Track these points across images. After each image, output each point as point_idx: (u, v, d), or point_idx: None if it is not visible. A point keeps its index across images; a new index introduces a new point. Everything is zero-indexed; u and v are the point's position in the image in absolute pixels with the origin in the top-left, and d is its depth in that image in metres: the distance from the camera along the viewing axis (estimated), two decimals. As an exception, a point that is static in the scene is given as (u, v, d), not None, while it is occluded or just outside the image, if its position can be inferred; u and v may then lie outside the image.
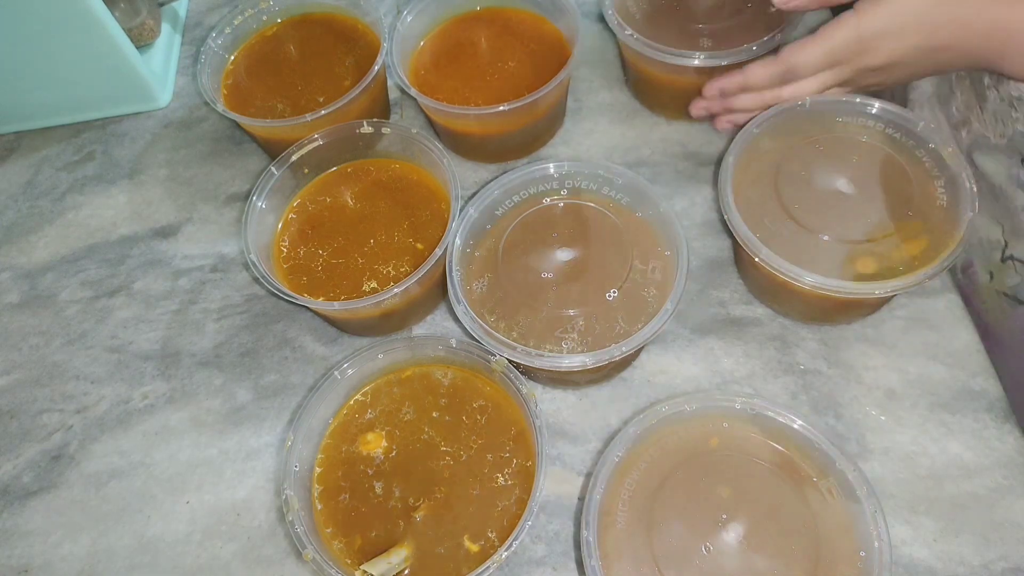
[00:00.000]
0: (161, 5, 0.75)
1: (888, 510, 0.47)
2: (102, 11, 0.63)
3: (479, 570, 0.41)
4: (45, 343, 0.61)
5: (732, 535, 0.42)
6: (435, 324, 0.58)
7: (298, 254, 0.56)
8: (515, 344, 0.47)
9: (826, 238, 0.49)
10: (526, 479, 0.46)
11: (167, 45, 0.76)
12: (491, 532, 0.45)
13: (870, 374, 0.52)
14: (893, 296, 0.49)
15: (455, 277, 0.50)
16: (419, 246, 0.55)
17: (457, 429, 0.48)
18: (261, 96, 0.65)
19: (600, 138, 0.65)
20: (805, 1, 0.56)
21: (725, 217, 0.50)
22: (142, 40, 0.73)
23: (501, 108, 0.56)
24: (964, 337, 0.52)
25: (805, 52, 0.54)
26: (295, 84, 0.65)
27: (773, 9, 0.57)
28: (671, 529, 0.42)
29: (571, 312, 0.49)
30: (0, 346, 0.61)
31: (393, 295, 0.50)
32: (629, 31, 0.58)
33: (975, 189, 0.48)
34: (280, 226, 0.58)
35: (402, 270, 0.54)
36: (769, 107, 0.56)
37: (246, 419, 0.55)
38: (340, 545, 0.46)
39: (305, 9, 0.69)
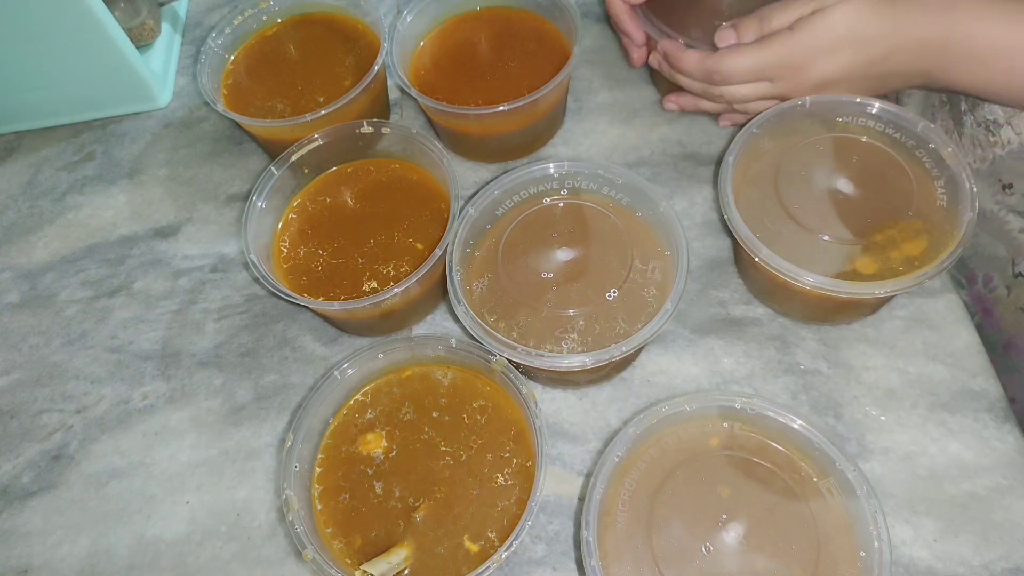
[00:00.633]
0: (161, 5, 0.75)
1: (888, 510, 0.47)
2: (102, 11, 0.63)
3: (479, 570, 0.41)
4: (45, 343, 0.61)
5: (732, 535, 0.42)
6: (435, 324, 0.58)
7: (298, 254, 0.56)
8: (515, 344, 0.47)
9: (826, 238, 0.49)
10: (526, 479, 0.46)
11: (167, 45, 0.76)
12: (491, 532, 0.45)
13: (870, 374, 0.52)
14: (893, 296, 0.49)
15: (455, 277, 0.50)
16: (419, 246, 0.55)
17: (457, 429, 0.48)
18: (261, 96, 0.65)
19: (600, 138, 0.65)
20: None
21: (725, 217, 0.50)
22: (142, 40, 0.73)
23: (501, 108, 0.56)
24: (964, 337, 0.52)
25: (735, 61, 0.54)
26: (295, 84, 0.65)
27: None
28: (671, 529, 0.42)
29: (571, 312, 0.49)
30: (0, 346, 0.61)
31: (393, 295, 0.50)
32: None
33: (975, 189, 0.48)
34: (280, 226, 0.58)
35: (402, 270, 0.54)
36: (707, 98, 0.58)
37: (246, 419, 0.55)
38: (340, 545, 0.46)
39: (305, 9, 0.69)
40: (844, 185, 0.51)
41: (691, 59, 0.56)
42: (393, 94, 0.70)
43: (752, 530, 0.42)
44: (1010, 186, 0.56)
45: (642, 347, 0.47)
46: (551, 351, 0.47)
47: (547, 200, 0.54)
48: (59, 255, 0.66)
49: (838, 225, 0.50)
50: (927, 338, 0.52)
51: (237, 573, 0.50)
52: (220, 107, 0.61)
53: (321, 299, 0.54)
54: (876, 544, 0.40)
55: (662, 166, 0.62)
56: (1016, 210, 0.56)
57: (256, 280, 0.61)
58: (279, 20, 0.69)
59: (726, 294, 0.56)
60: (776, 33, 0.53)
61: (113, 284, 0.63)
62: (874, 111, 0.53)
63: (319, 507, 0.47)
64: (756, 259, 0.48)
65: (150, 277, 0.63)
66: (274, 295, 0.59)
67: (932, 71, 0.51)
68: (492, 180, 0.54)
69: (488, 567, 0.41)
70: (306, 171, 0.59)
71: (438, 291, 0.57)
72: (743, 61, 0.53)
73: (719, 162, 0.62)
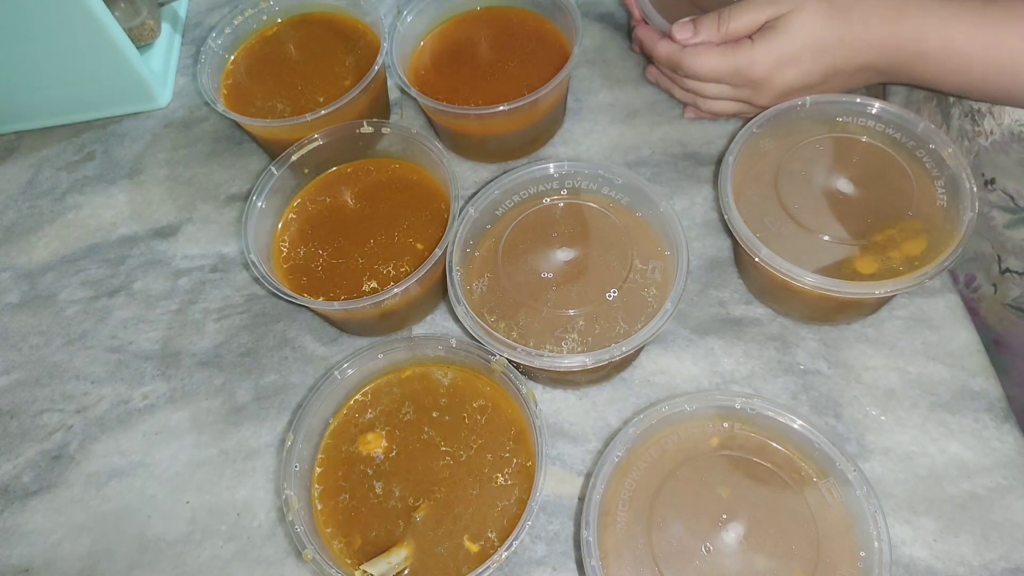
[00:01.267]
0: (161, 5, 0.75)
1: (888, 510, 0.47)
2: (102, 11, 0.63)
3: (479, 570, 0.41)
4: (45, 343, 0.61)
5: (732, 535, 0.42)
6: (435, 324, 0.58)
7: (298, 254, 0.56)
8: (515, 344, 0.47)
9: (826, 238, 0.49)
10: (526, 479, 0.46)
11: (167, 45, 0.76)
12: (491, 532, 0.45)
13: (870, 374, 0.52)
14: (893, 296, 0.49)
15: (455, 277, 0.50)
16: (419, 246, 0.55)
17: (457, 429, 0.48)
18: (261, 96, 0.65)
19: (600, 138, 0.65)
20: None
21: (725, 217, 0.50)
22: (142, 40, 0.73)
23: (501, 108, 0.56)
24: (964, 337, 0.52)
25: (698, 60, 0.56)
26: (295, 84, 0.65)
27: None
28: (671, 529, 0.42)
29: (571, 312, 0.49)
30: (0, 346, 0.61)
31: (393, 295, 0.50)
32: None
33: (975, 189, 0.48)
34: (280, 226, 0.58)
35: (402, 270, 0.54)
36: (678, 86, 0.60)
37: (246, 419, 0.55)
38: (340, 545, 0.46)
39: (305, 9, 0.69)
40: (844, 185, 0.51)
41: (662, 48, 0.58)
42: (393, 94, 0.70)
43: (752, 530, 0.42)
44: (992, 181, 0.56)
45: (642, 347, 0.47)
46: (551, 351, 0.47)
47: (547, 200, 0.54)
48: (59, 255, 0.66)
49: (838, 225, 0.50)
50: (927, 338, 0.53)
51: (237, 573, 0.50)
52: (220, 107, 0.61)
53: (321, 299, 0.54)
54: (876, 544, 0.40)
55: (662, 166, 0.62)
56: (999, 206, 0.56)
57: (256, 280, 0.61)
58: (279, 20, 0.69)
59: (726, 294, 0.56)
60: (738, 44, 0.54)
61: (113, 284, 0.63)
62: (874, 111, 0.53)
63: (319, 507, 0.47)
64: (756, 259, 0.48)
65: (150, 277, 0.63)
66: (274, 295, 0.59)
67: (893, 69, 0.53)
68: (492, 180, 0.54)
69: (488, 567, 0.41)
70: (306, 171, 0.59)
71: (438, 291, 0.57)
72: (707, 62, 0.55)
73: (719, 162, 0.62)
